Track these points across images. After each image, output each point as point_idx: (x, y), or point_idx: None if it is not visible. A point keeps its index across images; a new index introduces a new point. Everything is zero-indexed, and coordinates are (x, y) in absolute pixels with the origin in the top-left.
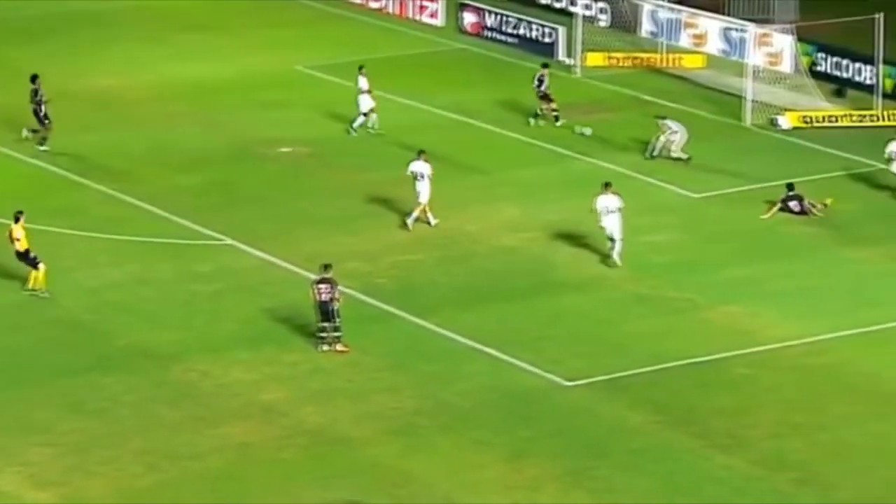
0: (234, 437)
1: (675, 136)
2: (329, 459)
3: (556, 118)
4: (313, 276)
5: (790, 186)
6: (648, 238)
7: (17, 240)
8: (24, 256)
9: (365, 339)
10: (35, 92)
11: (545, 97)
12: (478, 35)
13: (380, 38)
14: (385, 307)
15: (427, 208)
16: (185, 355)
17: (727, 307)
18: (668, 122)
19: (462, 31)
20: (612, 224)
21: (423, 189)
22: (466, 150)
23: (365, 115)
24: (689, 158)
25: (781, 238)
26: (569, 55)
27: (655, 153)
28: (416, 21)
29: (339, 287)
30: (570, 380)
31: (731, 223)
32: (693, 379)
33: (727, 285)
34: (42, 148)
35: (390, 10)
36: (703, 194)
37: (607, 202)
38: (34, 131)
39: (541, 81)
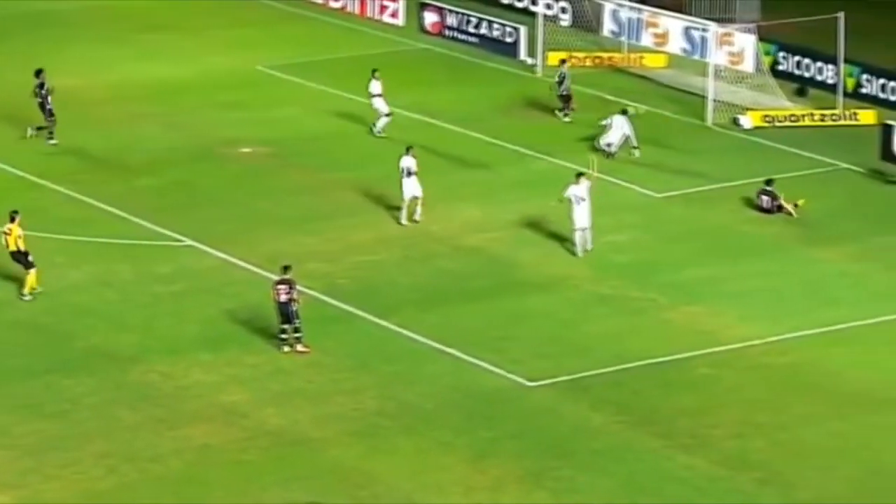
0: (194, 439)
1: (617, 131)
2: (290, 461)
3: (566, 114)
4: (274, 277)
5: (769, 182)
6: (610, 238)
7: (20, 237)
8: (22, 256)
9: (326, 340)
10: (41, 86)
11: (565, 97)
12: (439, 35)
13: (341, 37)
14: (346, 308)
15: (408, 205)
16: (145, 357)
17: (689, 307)
18: (615, 118)
19: (423, 30)
20: (581, 213)
21: (412, 185)
22: (428, 150)
23: (388, 115)
24: (613, 154)
25: (743, 238)
26: (530, 55)
27: (615, 150)
28: (377, 21)
29: (299, 288)
30: (532, 380)
31: (693, 223)
32: (655, 379)
33: (689, 285)
34: (51, 142)
35: (351, 9)
36: (665, 194)
37: (577, 191)
38: (40, 128)
39: (562, 81)
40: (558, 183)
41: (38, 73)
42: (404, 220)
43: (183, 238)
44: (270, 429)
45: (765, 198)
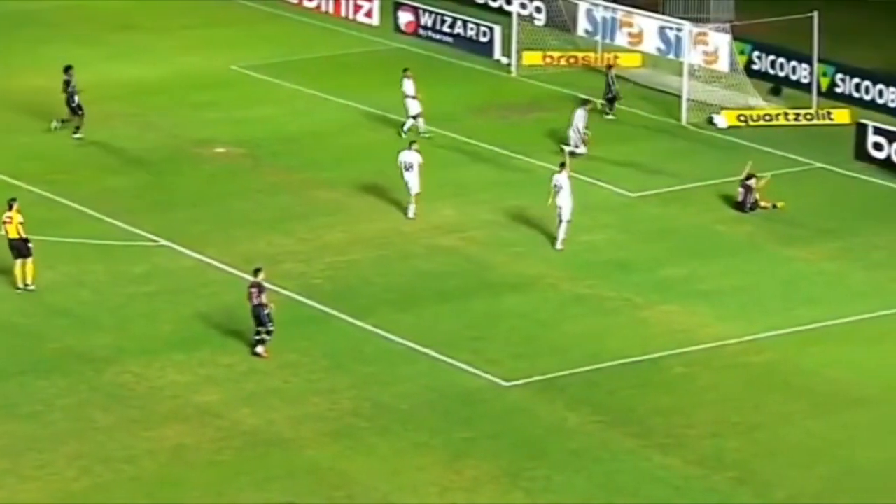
0: (169, 440)
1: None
2: (266, 461)
3: (608, 114)
4: (251, 278)
5: (749, 177)
6: (586, 237)
7: (21, 224)
8: (22, 243)
9: (301, 341)
10: (67, 83)
11: (612, 100)
12: (414, 34)
13: (316, 37)
14: (322, 308)
15: (418, 196)
16: (119, 358)
17: (665, 306)
18: (575, 114)
19: (398, 30)
20: (563, 202)
21: (413, 179)
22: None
23: (414, 118)
24: (580, 154)
25: (718, 237)
26: (505, 54)
27: (582, 151)
28: (351, 20)
29: (268, 291)
30: (508, 380)
31: (669, 222)
32: (631, 379)
33: (665, 284)
34: (77, 136)
35: (326, 9)
36: (640, 193)
37: (559, 180)
38: (64, 121)
39: (610, 85)
40: (533, 182)
41: (67, 69)
42: (411, 215)
43: (157, 238)
44: (245, 429)
45: (741, 190)
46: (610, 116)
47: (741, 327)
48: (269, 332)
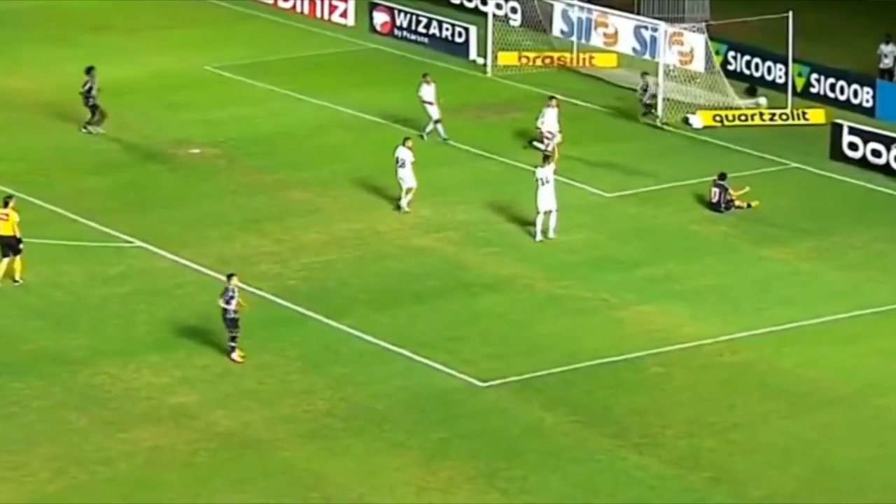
0: (144, 442)
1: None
2: (241, 463)
3: (652, 115)
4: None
5: (722, 176)
6: (561, 237)
7: (17, 224)
8: (15, 241)
9: (277, 342)
10: (87, 86)
11: (649, 106)
12: (389, 35)
13: (290, 37)
14: (297, 309)
15: (412, 191)
16: (94, 359)
17: (640, 306)
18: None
19: (373, 30)
20: (547, 195)
21: (407, 175)
22: (378, 150)
23: (437, 122)
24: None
25: (694, 237)
26: (481, 55)
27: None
28: (327, 21)
29: (234, 297)
30: (484, 381)
31: (644, 222)
32: (607, 379)
33: (640, 284)
34: (97, 130)
35: (301, 9)
36: (616, 193)
37: (543, 174)
38: (91, 123)
39: (645, 89)
40: (509, 183)
41: (89, 70)
42: (405, 208)
43: (132, 239)
44: (221, 430)
45: (715, 190)
46: (649, 121)
47: (717, 327)
48: (232, 339)
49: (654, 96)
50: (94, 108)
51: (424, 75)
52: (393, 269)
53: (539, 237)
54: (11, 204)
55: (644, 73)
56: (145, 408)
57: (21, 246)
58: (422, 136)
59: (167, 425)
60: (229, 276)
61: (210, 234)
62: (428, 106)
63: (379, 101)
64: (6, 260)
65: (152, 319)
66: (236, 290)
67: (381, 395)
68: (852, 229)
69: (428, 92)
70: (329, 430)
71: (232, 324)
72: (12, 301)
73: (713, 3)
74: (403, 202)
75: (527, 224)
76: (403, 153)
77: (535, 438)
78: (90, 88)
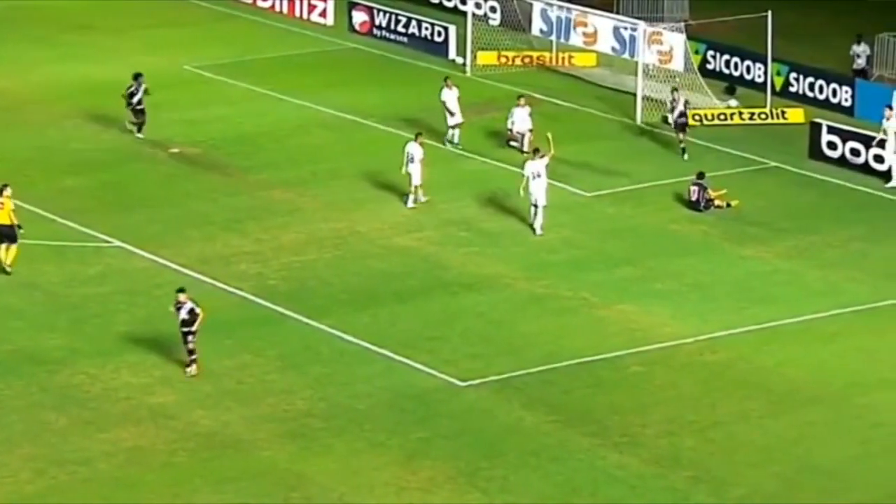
0: (123, 442)
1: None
2: (221, 463)
3: (683, 151)
4: (206, 279)
5: (700, 175)
6: (542, 236)
7: (13, 210)
8: (11, 230)
9: (257, 342)
10: (132, 92)
11: (683, 126)
12: (368, 34)
13: (270, 37)
14: (277, 308)
15: (419, 187)
16: (73, 359)
17: (620, 305)
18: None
19: (352, 30)
20: (538, 189)
21: (415, 171)
22: (358, 149)
23: (457, 126)
24: (523, 150)
25: (674, 236)
26: (460, 54)
27: (525, 147)
28: (306, 20)
29: (187, 310)
30: (464, 380)
31: (624, 221)
32: (587, 378)
33: (620, 284)
34: (135, 131)
35: (280, 9)
36: (595, 193)
37: (534, 167)
38: (135, 125)
39: (673, 107)
40: (489, 182)
41: (137, 77)
42: (422, 198)
43: (111, 239)
44: (200, 431)
45: (694, 188)
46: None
47: (697, 326)
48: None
49: (683, 115)
50: (141, 112)
51: (445, 79)
52: (373, 269)
53: (538, 229)
54: (7, 192)
55: (674, 89)
56: (124, 408)
57: (21, 231)
58: (444, 144)
59: (146, 425)
60: (178, 291)
61: (190, 234)
62: (448, 110)
63: (359, 100)
64: (3, 246)
65: (131, 320)
66: (188, 302)
67: (362, 394)
68: (831, 228)
69: (450, 96)
70: (309, 430)
71: (183, 336)
72: None
73: (692, 2)
74: (410, 199)
75: (507, 223)
76: (413, 149)
77: (515, 438)
78: (132, 94)
